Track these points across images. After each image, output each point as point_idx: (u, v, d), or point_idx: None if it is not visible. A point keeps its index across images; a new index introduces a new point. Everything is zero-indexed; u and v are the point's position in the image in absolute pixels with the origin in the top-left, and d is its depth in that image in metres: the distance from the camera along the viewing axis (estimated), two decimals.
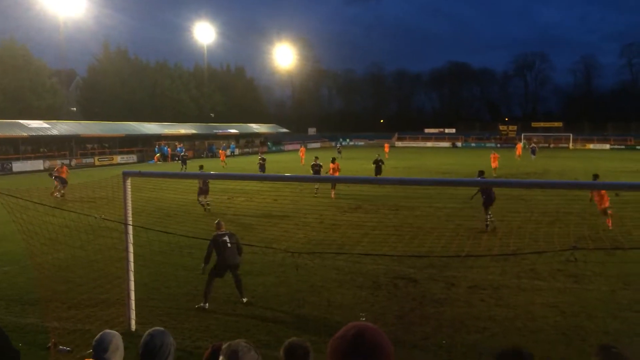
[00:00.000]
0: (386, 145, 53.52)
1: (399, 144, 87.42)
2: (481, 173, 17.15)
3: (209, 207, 19.58)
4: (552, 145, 74.34)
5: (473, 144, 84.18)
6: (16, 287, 10.16)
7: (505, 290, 9.68)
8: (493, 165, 32.61)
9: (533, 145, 50.76)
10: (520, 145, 50.37)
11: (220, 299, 9.39)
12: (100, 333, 3.85)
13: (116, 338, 3.85)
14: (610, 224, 14.80)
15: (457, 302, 9.21)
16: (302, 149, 50.98)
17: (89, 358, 3.79)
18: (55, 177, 23.96)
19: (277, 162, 45.07)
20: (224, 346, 2.61)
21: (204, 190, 19.78)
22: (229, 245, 9.07)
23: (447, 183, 8.92)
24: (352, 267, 11.22)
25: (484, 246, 13.23)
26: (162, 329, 3.42)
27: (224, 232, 9.29)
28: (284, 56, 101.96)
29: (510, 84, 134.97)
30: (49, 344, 6.96)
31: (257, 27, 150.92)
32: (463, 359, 6.96)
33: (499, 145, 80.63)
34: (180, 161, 41.76)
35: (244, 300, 9.12)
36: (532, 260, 11.38)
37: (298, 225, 16.35)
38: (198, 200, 19.72)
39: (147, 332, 3.36)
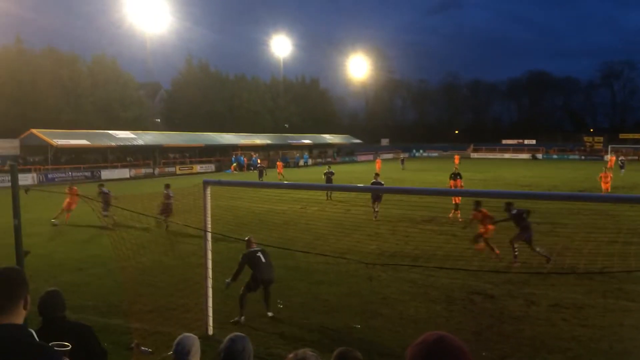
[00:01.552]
0: (456, 156, 50.88)
1: (474, 155, 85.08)
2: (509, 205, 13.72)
3: (166, 227, 17.07)
4: (629, 157, 69.61)
5: (555, 156, 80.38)
6: (103, 289, 10.76)
7: (590, 310, 9.13)
8: (604, 187, 27.59)
9: (622, 157, 47.66)
10: (613, 157, 47.35)
11: (295, 306, 9.50)
12: (181, 336, 4.00)
13: (195, 341, 3.99)
14: (480, 249, 13.56)
15: (537, 320, 8.79)
16: (379, 160, 49.61)
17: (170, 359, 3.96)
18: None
19: (349, 173, 45.15)
20: (291, 355, 2.64)
21: (165, 209, 17.55)
22: (263, 260, 8.93)
23: (523, 196, 8.55)
24: (426, 281, 11.00)
25: (567, 264, 12.57)
26: (242, 334, 3.51)
27: (256, 249, 9.15)
28: (358, 67, 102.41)
29: (595, 94, 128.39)
30: (132, 344, 7.31)
31: (333, 38, 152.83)
32: None
33: (583, 157, 76.58)
34: (257, 172, 42.06)
35: (270, 314, 8.96)
36: (620, 279, 10.68)
37: (371, 236, 16.27)
38: (157, 218, 16.71)
39: (228, 337, 3.45)
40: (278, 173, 42.46)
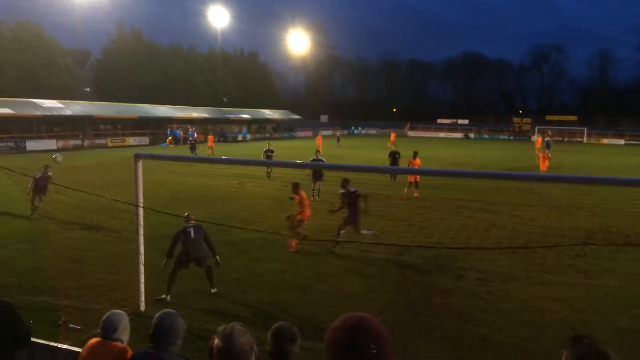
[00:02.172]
0: (392, 134, 49.26)
1: (411, 133, 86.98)
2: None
3: (35, 216, 14.63)
4: (566, 139, 73.53)
5: (486, 136, 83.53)
6: (28, 265, 10.28)
7: (514, 283, 9.64)
8: (542, 167, 27.77)
9: (548, 138, 49.87)
10: (540, 139, 49.37)
11: (230, 282, 9.46)
12: (108, 313, 3.90)
13: (124, 318, 3.91)
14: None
15: (464, 293, 9.20)
16: (319, 137, 46.20)
17: (98, 337, 3.85)
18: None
19: (289, 149, 45.06)
20: (219, 329, 2.64)
21: (40, 188, 14.51)
22: (192, 236, 8.73)
23: (457, 174, 8.82)
24: (361, 256, 11.23)
25: (493, 239, 13.18)
26: (173, 311, 3.45)
27: (191, 225, 8.92)
28: (298, 42, 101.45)
29: (526, 76, 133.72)
30: (60, 322, 7.05)
31: (272, 11, 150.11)
32: (469, 352, 6.96)
33: (512, 138, 79.99)
34: (189, 146, 39.60)
35: (213, 290, 8.88)
36: (541, 254, 11.33)
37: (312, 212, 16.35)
38: (32, 203, 14.62)
39: (157, 314, 3.39)
40: (208, 147, 40.41)
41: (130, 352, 3.67)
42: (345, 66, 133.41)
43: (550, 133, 68.19)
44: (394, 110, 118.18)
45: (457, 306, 8.57)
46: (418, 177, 19.24)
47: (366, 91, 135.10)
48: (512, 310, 8.36)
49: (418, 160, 20.70)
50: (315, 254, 11.45)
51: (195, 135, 48.49)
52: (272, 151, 26.08)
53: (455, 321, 7.92)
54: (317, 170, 18.40)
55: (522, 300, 8.79)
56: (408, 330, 7.35)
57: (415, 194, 19.27)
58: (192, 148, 38.96)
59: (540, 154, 29.50)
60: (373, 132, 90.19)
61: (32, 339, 4.41)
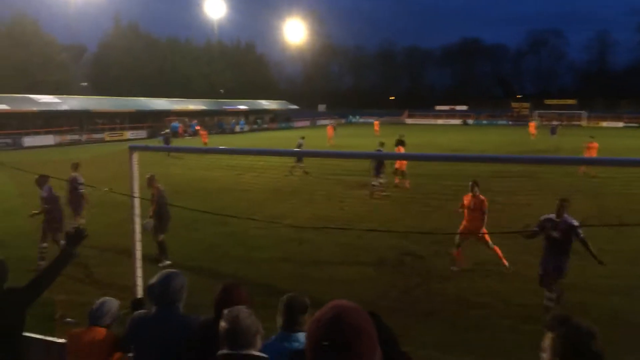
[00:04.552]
0: (376, 122, 47.69)
1: (409, 121, 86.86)
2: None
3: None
4: (565, 123, 73.43)
5: (485, 122, 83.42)
6: (26, 260, 10.28)
7: (512, 266, 9.66)
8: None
9: (554, 123, 49.08)
10: (533, 124, 48.75)
11: (228, 273, 9.48)
12: (98, 300, 3.93)
13: (111, 304, 3.94)
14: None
15: (461, 278, 9.24)
16: (330, 127, 42.73)
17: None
18: None
19: (288, 139, 44.98)
20: (226, 311, 2.68)
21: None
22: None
23: (454, 159, 8.76)
24: (358, 244, 11.25)
25: (490, 224, 13.18)
26: (174, 270, 3.52)
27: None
28: (295, 31, 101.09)
29: (523, 61, 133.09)
30: (56, 316, 7.09)
31: (269, 0, 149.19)
32: (466, 334, 7.00)
33: (510, 123, 79.83)
34: (164, 140, 34.04)
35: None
36: (538, 238, 11.33)
37: (305, 202, 16.38)
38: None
39: (157, 275, 3.45)
40: (203, 143, 37.72)
41: (114, 337, 3.71)
42: (342, 55, 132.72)
43: (554, 118, 67.42)
44: (392, 98, 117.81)
45: (454, 290, 8.61)
46: (404, 165, 18.92)
47: (363, 79, 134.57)
48: (508, 293, 8.41)
49: (402, 148, 20.66)
50: (312, 242, 11.47)
51: (197, 128, 47.91)
52: (301, 144, 24.54)
53: (453, 305, 7.97)
54: (379, 162, 17.52)
55: (519, 283, 8.83)
56: (406, 316, 7.38)
57: (407, 185, 19.00)
58: (166, 142, 33.69)
59: (589, 144, 23.25)
60: (371, 120, 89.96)
61: (27, 334, 4.43)
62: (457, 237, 9.87)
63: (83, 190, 11.68)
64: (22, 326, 4.02)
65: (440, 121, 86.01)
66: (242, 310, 2.69)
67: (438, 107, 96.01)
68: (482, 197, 9.75)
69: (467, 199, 9.88)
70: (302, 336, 3.15)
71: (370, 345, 1.44)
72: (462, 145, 38.88)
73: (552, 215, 7.62)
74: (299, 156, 20.32)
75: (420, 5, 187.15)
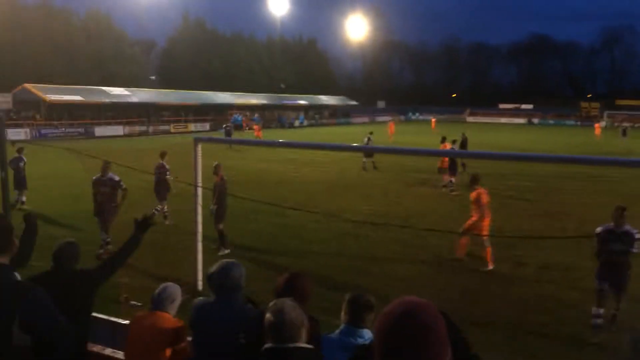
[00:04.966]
0: (391, 123, 41.56)
1: (471, 119, 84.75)
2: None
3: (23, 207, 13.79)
4: (637, 125, 69.45)
5: (551, 121, 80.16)
6: (94, 243, 10.75)
7: (578, 272, 9.23)
8: None
9: (625, 124, 46.39)
10: (598, 125, 46.15)
11: (282, 264, 9.56)
12: (161, 285, 4.03)
13: (175, 290, 4.02)
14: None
15: (525, 281, 8.91)
16: (392, 123, 41.63)
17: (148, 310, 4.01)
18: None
19: (346, 135, 44.97)
20: (271, 304, 2.66)
21: (19, 182, 14.39)
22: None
23: (514, 158, 8.44)
24: (416, 242, 11.07)
25: (557, 227, 12.65)
26: (233, 260, 3.55)
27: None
28: (356, 27, 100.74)
29: (595, 59, 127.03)
30: (121, 298, 7.36)
31: None
32: (526, 340, 6.74)
33: (579, 123, 76.35)
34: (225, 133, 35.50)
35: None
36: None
37: (363, 197, 16.30)
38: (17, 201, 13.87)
39: (217, 264, 3.50)
40: (256, 137, 37.64)
41: (177, 324, 3.77)
42: (403, 51, 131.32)
43: (629, 118, 63.73)
44: (454, 95, 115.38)
45: (517, 294, 8.31)
46: (446, 162, 18.33)
47: (424, 76, 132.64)
48: (574, 300, 8.02)
49: (447, 145, 20.24)
50: (369, 238, 11.39)
51: (244, 121, 48.21)
52: (371, 133, 24.24)
53: (515, 309, 7.69)
54: (452, 160, 17.31)
55: (584, 290, 8.40)
56: (465, 318, 7.18)
57: (452, 179, 18.29)
58: (228, 134, 35.10)
59: None
60: (430, 117, 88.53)
61: (95, 314, 4.63)
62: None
63: (169, 177, 12.37)
64: (91, 306, 4.20)
65: (503, 120, 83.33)
66: (287, 303, 2.65)
67: (502, 106, 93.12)
68: (480, 190, 9.77)
69: (471, 194, 10.03)
70: (367, 333, 3.13)
71: (441, 344, 1.38)
72: (526, 145, 37.52)
73: (611, 225, 6.98)
74: (367, 152, 20.29)
75: (485, 0, 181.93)
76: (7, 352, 2.38)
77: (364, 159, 22.12)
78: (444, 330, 1.40)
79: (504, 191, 16.99)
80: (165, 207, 12.72)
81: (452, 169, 17.36)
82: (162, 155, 13.04)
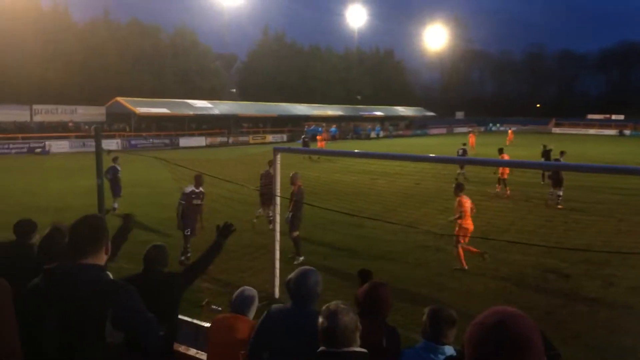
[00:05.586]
0: (471, 135, 39.62)
1: (556, 130, 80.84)
2: None
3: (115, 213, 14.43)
4: None
5: None
6: (176, 250, 11.23)
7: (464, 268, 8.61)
8: None
9: None
10: None
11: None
12: (240, 289, 4.15)
13: (254, 295, 4.13)
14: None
15: (614, 302, 8.36)
16: (472, 135, 40.01)
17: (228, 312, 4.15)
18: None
19: (423, 146, 44.37)
20: (323, 307, 2.65)
21: (114, 189, 15.75)
22: None
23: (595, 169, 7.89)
24: (497, 256, 10.69)
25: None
26: (310, 267, 3.58)
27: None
28: (435, 37, 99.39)
29: None
30: (203, 302, 7.65)
31: (410, 7, 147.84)
32: None
33: None
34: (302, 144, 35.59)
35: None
36: None
37: (440, 210, 15.96)
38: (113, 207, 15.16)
39: (294, 273, 3.55)
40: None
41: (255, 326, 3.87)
42: (484, 60, 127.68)
43: None
44: (538, 105, 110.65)
45: (605, 315, 7.82)
46: (506, 174, 18.69)
47: (507, 86, 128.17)
48: None
49: (505, 156, 19.56)
50: (448, 251, 11.13)
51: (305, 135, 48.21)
52: (465, 150, 24.08)
53: (603, 331, 7.24)
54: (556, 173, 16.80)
55: None
56: (549, 337, 6.84)
57: (507, 194, 18.61)
58: (305, 145, 34.89)
59: None
60: (513, 128, 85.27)
61: (180, 316, 4.85)
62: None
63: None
64: (177, 309, 4.41)
65: (592, 131, 78.80)
66: (340, 307, 2.63)
67: (590, 116, 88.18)
68: (461, 199, 10.41)
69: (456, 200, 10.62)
70: (448, 349, 3.06)
71: (537, 357, 1.32)
72: (616, 157, 35.32)
73: None
74: (461, 164, 20.46)
75: (573, 6, 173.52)
76: (101, 349, 2.50)
77: (459, 171, 22.25)
78: (540, 343, 1.35)
79: (592, 206, 16.09)
80: (270, 213, 12.95)
81: (558, 181, 16.88)
82: (270, 163, 13.26)
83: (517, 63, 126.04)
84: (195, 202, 10.78)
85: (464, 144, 24.54)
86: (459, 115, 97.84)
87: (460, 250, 10.21)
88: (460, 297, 8.46)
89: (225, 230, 4.47)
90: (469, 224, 10.33)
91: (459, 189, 10.78)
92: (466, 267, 10.06)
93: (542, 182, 20.66)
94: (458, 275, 9.68)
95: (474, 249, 10.35)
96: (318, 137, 39.85)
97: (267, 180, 12.74)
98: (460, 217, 10.34)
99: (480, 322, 1.39)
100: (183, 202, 10.70)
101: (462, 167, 21.99)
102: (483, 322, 1.38)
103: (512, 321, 1.35)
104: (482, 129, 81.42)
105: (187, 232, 10.73)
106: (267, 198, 12.87)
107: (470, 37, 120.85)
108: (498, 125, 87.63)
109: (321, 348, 2.59)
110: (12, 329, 2.65)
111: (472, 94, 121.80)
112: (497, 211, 15.89)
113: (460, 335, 1.63)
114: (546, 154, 22.28)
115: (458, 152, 23.67)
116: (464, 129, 77.69)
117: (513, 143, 46.09)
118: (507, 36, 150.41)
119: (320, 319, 2.61)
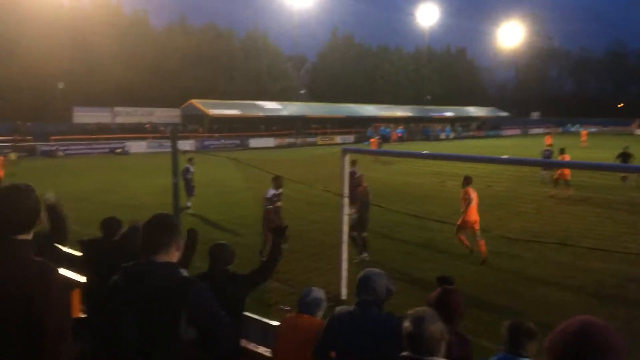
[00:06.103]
0: (548, 137, 36.82)
1: (639, 132, 75.90)
2: None
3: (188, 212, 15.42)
4: None
5: None
6: (248, 247, 11.49)
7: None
8: None
9: None
10: None
11: (426, 279, 9.38)
12: (308, 289, 4.19)
13: (322, 295, 4.15)
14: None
15: None
16: (549, 137, 36.99)
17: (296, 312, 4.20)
18: None
19: (495, 148, 43.03)
20: (411, 311, 2.61)
21: (188, 189, 16.12)
22: None
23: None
24: (574, 264, 10.18)
25: None
26: (377, 270, 3.58)
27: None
28: (510, 34, 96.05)
29: None
30: (272, 302, 7.81)
31: (484, 3, 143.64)
32: None
33: None
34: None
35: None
36: None
37: (513, 214, 15.42)
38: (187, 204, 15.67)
39: (362, 273, 3.57)
40: None
41: (323, 326, 3.88)
42: (562, 58, 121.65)
43: None
44: (620, 105, 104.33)
45: None
46: (568, 175, 18.18)
47: (586, 85, 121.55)
48: None
49: (567, 156, 18.45)
50: (523, 258, 10.74)
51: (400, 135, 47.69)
52: (551, 152, 23.59)
53: None
54: None
55: None
56: (629, 351, 6.44)
57: (570, 194, 18.22)
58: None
59: None
60: (593, 129, 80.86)
61: (249, 314, 4.98)
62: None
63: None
64: (242, 307, 4.52)
65: None
66: (428, 313, 2.58)
67: None
68: (467, 189, 10.83)
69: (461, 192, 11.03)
70: None
71: None
72: None
73: None
74: (545, 166, 20.21)
75: None
76: (176, 345, 2.57)
77: (543, 172, 21.68)
78: (624, 354, 1.29)
79: None
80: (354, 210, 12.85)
81: None
82: (353, 163, 13.14)
83: (598, 60, 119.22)
84: (277, 204, 10.77)
85: (549, 145, 23.78)
86: (535, 115, 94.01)
87: (462, 237, 10.87)
88: (536, 306, 8.10)
89: (279, 232, 4.72)
90: (470, 215, 10.69)
91: (467, 181, 11.08)
92: (470, 248, 10.82)
93: (623, 183, 19.64)
94: (532, 283, 9.31)
95: (466, 242, 10.85)
96: (371, 140, 38.39)
97: (351, 180, 12.66)
98: (466, 212, 10.73)
99: (562, 329, 1.40)
100: (270, 206, 10.53)
101: (544, 169, 21.38)
102: (565, 330, 1.39)
103: (595, 329, 1.37)
104: (560, 129, 77.88)
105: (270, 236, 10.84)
106: (351, 198, 12.81)
107: (547, 33, 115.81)
108: (577, 126, 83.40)
109: (405, 353, 2.58)
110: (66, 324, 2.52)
111: (549, 93, 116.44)
112: (575, 216, 15.16)
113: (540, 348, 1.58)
114: (623, 155, 21.05)
115: (544, 154, 23.29)
116: (540, 130, 74.52)
117: (587, 144, 43.74)
118: (586, 33, 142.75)
119: (406, 323, 2.60)
